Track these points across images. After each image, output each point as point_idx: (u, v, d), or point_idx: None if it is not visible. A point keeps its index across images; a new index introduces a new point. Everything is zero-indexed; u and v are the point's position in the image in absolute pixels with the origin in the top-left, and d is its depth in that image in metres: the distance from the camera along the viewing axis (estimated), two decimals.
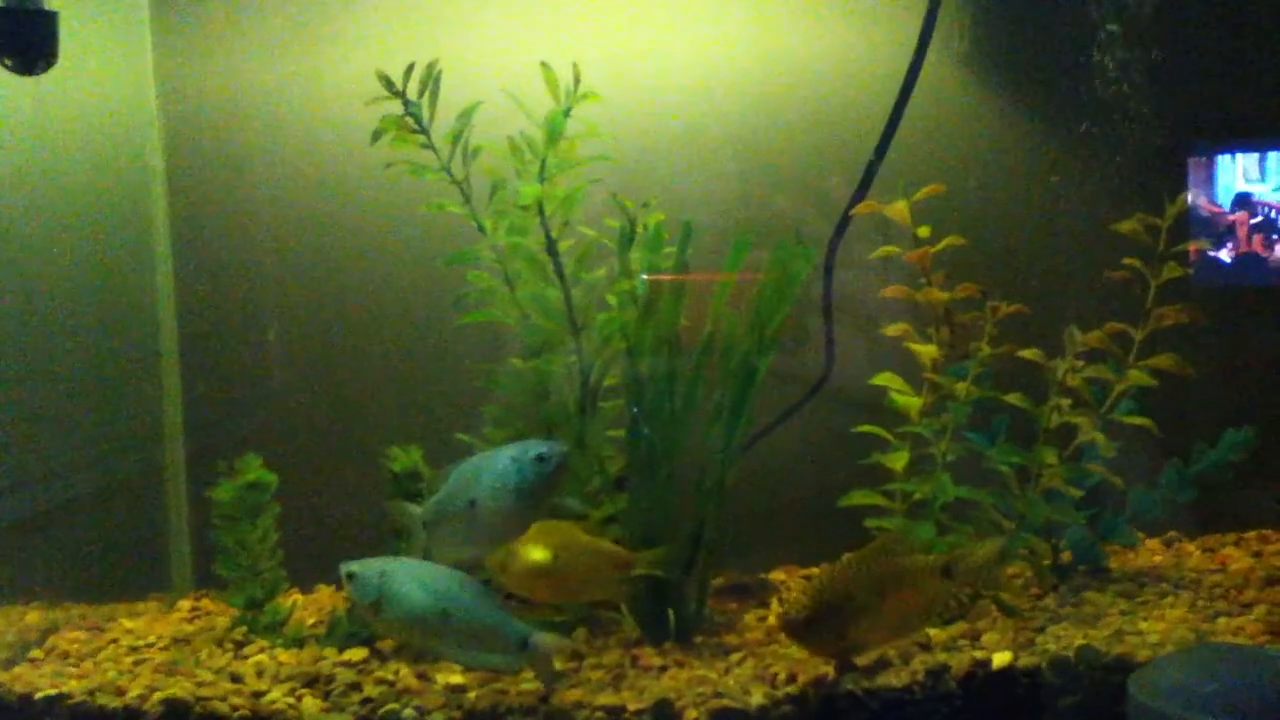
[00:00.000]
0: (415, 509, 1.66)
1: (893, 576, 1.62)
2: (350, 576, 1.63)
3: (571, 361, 1.94)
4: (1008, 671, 1.61)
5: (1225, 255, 2.07)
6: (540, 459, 1.60)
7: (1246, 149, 2.09)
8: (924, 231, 1.98)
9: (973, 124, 2.20)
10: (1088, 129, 2.02)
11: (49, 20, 1.75)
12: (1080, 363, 1.80)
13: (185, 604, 2.09)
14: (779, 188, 2.19)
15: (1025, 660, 1.62)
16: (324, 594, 2.09)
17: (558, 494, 1.70)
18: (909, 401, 1.88)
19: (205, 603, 2.09)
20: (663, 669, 1.73)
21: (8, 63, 1.73)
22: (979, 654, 1.65)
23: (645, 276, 1.92)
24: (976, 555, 1.64)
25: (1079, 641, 1.65)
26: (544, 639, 1.63)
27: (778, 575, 2.14)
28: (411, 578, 1.62)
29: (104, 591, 2.01)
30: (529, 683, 1.67)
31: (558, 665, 1.67)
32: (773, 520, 2.16)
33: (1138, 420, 1.88)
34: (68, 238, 2.00)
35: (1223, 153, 2.09)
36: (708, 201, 2.17)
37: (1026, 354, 1.84)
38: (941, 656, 1.65)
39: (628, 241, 1.94)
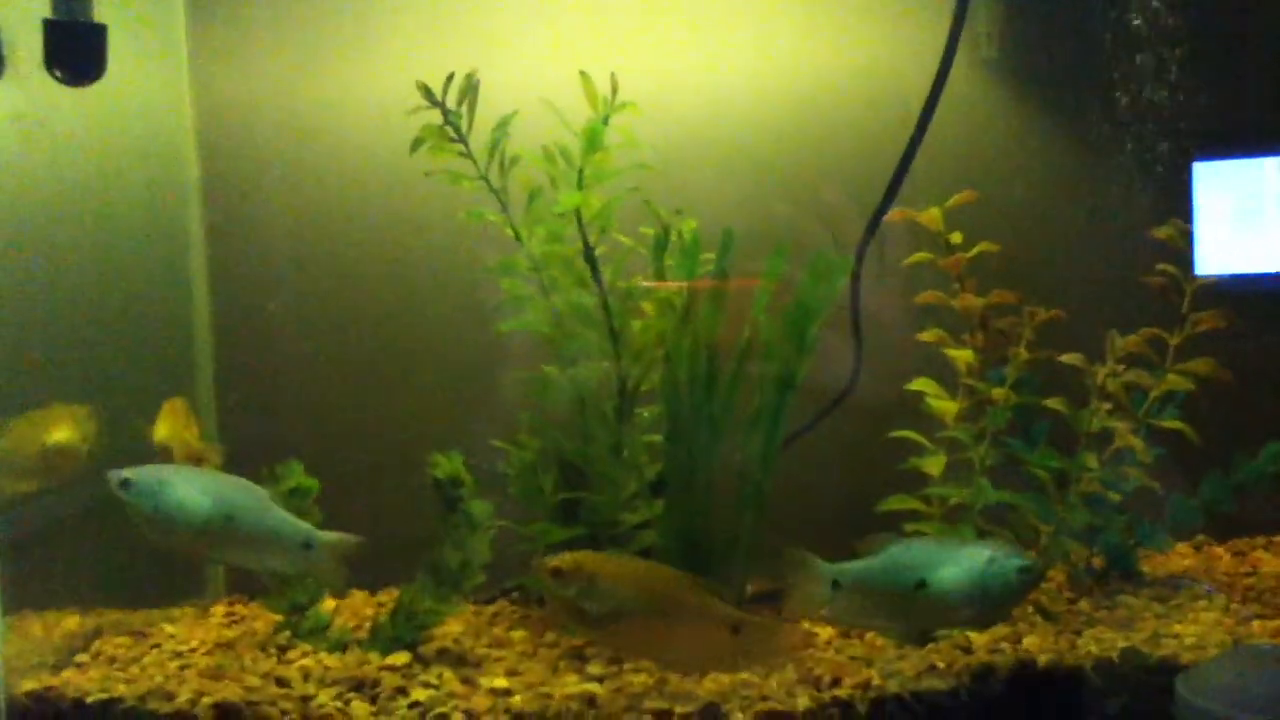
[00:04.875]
0: (822, 564, 1.65)
1: (675, 602, 1.60)
2: (125, 484, 1.58)
3: (608, 368, 1.96)
4: (1052, 674, 1.62)
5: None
6: (1023, 570, 1.59)
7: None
8: (956, 238, 2.00)
9: (1001, 130, 2.22)
10: (1121, 133, 2.04)
11: (98, 33, 1.78)
12: (1121, 367, 1.82)
13: (219, 609, 2.09)
14: (807, 195, 2.20)
15: (1069, 662, 1.63)
16: (358, 599, 2.10)
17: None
18: (945, 406, 1.90)
19: (239, 608, 2.10)
20: (704, 673, 1.73)
21: (57, 74, 1.75)
22: (1023, 656, 1.66)
23: (646, 283, 1.95)
24: (771, 631, 1.64)
25: (1121, 644, 1.67)
26: (326, 538, 1.63)
27: None
28: (191, 484, 1.61)
29: (139, 597, 2.01)
30: (574, 685, 1.68)
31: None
32: (801, 525, 2.17)
33: (1176, 425, 1.90)
34: (104, 247, 2.02)
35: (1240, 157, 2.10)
36: (740, 209, 2.19)
37: (1067, 359, 1.85)
38: (985, 658, 1.66)
39: (661, 248, 1.96)
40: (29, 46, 1.76)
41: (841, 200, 2.11)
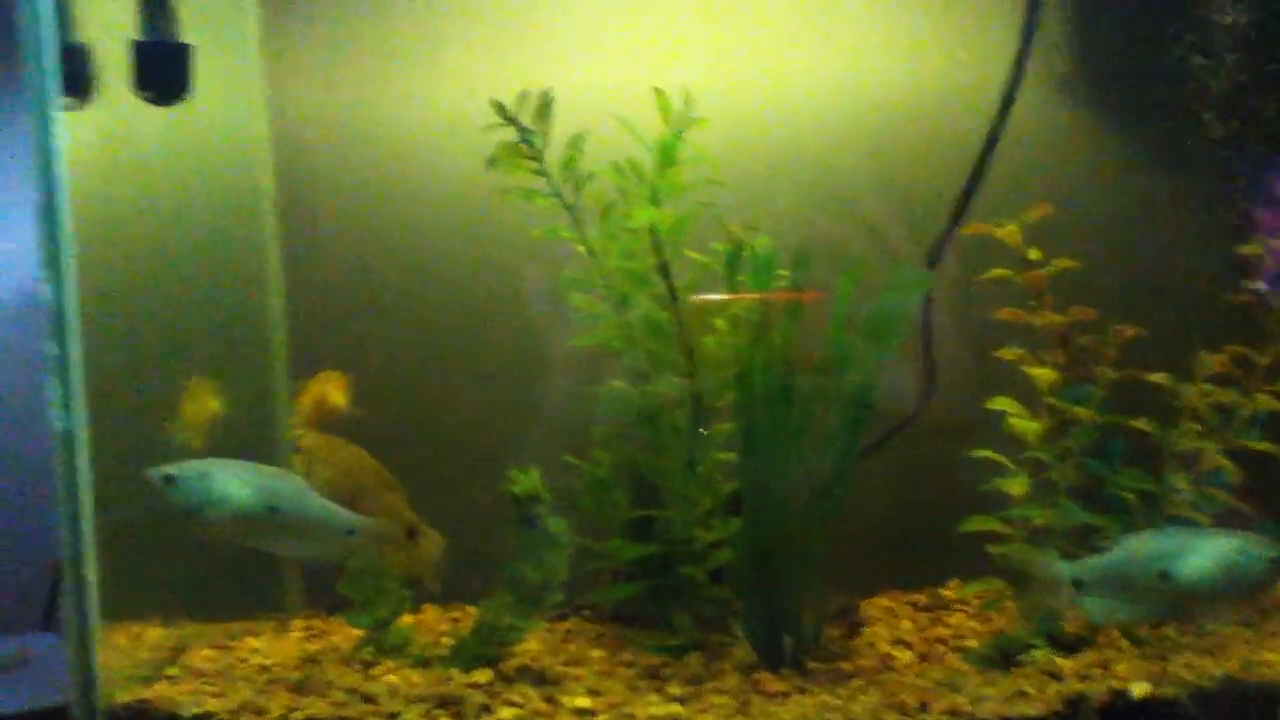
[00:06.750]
0: (1061, 564, 1.65)
1: (364, 493, 1.76)
2: (169, 480, 1.62)
3: (683, 383, 1.95)
4: (1149, 702, 1.59)
5: None
6: (1275, 561, 1.59)
7: None
8: (1035, 254, 1.98)
9: (1074, 145, 2.19)
10: (1199, 145, 2.01)
11: (185, 54, 1.81)
12: (1210, 387, 1.79)
13: (298, 622, 2.12)
14: (879, 211, 2.18)
15: (1165, 691, 1.60)
16: (431, 614, 2.11)
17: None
18: (1028, 426, 1.87)
19: (317, 622, 2.12)
20: (785, 695, 1.72)
21: (146, 95, 1.78)
22: (1115, 684, 1.63)
23: (694, 298, 1.94)
24: (431, 540, 1.80)
25: (1216, 671, 1.64)
26: (369, 524, 1.68)
27: (881, 601, 2.14)
28: (233, 477, 1.65)
29: (219, 609, 2.04)
30: (657, 706, 1.67)
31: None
32: (870, 543, 2.15)
33: (1264, 446, 1.86)
34: (185, 261, 2.04)
35: None
36: (809, 223, 2.18)
37: (1154, 378, 1.82)
38: (1077, 686, 1.64)
39: (734, 264, 1.96)
40: (117, 66, 1.79)
41: (889, 213, 2.10)
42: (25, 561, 2.18)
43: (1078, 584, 1.62)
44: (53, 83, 1.59)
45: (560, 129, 1.91)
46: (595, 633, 2.00)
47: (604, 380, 2.04)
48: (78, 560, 1.59)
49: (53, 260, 1.60)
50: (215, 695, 1.69)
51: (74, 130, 1.70)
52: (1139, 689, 1.61)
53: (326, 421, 1.94)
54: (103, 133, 1.81)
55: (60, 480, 1.60)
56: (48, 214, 1.59)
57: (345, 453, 1.85)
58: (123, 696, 1.67)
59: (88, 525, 1.60)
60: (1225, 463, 1.83)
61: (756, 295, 1.89)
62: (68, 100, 1.67)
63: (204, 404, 1.90)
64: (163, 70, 1.80)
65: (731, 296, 1.91)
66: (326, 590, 1.98)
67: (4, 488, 2.24)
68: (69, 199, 1.63)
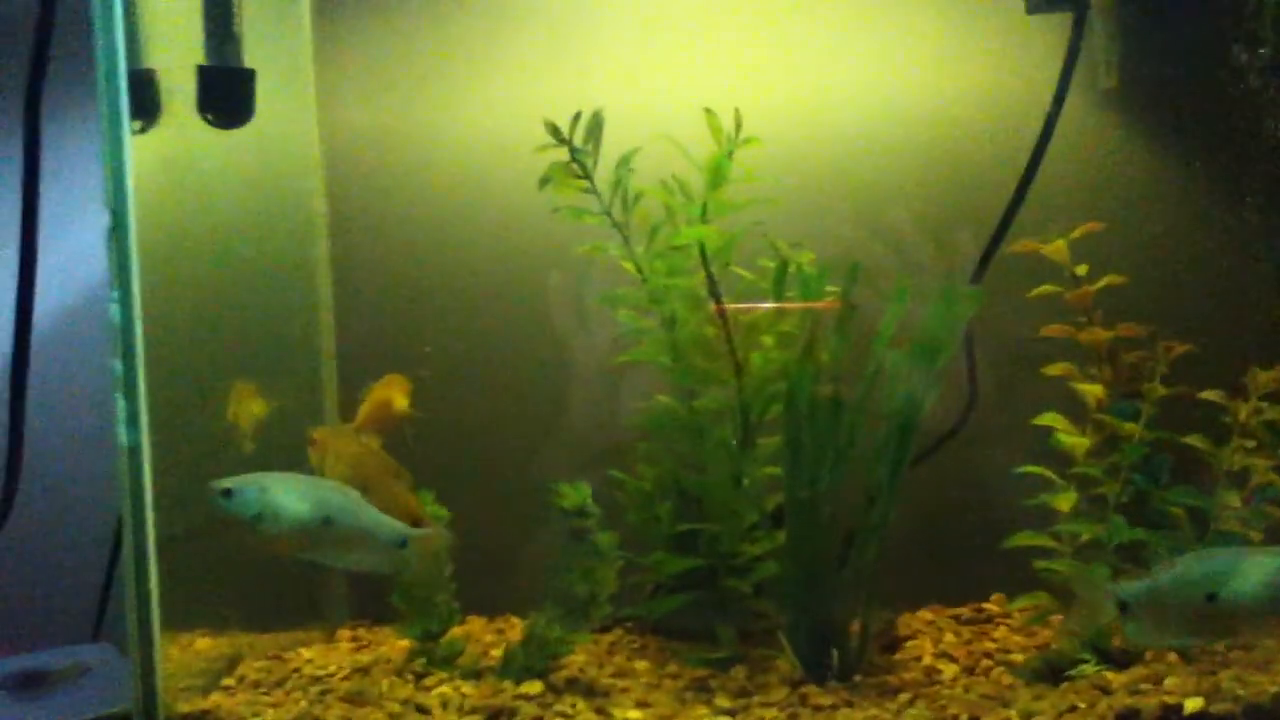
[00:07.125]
0: (1109, 585, 1.66)
1: (374, 485, 1.78)
2: (227, 493, 1.67)
3: (730, 398, 1.97)
4: (1201, 717, 1.59)
5: None
6: None
7: None
8: (1082, 270, 1.98)
9: (1121, 160, 2.19)
10: (1248, 162, 2.01)
11: (248, 78, 1.85)
12: (1264, 404, 1.79)
13: (345, 633, 2.15)
14: (923, 227, 2.19)
15: (1218, 707, 1.60)
16: (477, 625, 2.14)
17: None
18: (1076, 442, 1.88)
19: (363, 632, 2.15)
20: (833, 708, 1.73)
21: (210, 118, 1.83)
22: (1167, 699, 1.63)
23: (738, 306, 1.96)
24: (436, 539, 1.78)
25: (1269, 687, 1.63)
26: (422, 535, 1.72)
27: (924, 615, 2.14)
28: (289, 489, 1.68)
29: (268, 620, 2.06)
30: (706, 718, 1.68)
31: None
32: (911, 557, 2.15)
33: None
34: (240, 277, 2.09)
35: None
36: (855, 241, 2.19)
37: (1206, 395, 1.83)
38: (1128, 700, 1.64)
39: (781, 281, 1.98)
40: (181, 91, 1.84)
41: (907, 223, 2.11)
42: (74, 573, 2.23)
43: (1123, 606, 1.62)
44: (124, 107, 1.63)
45: (606, 147, 1.94)
46: (638, 645, 2.02)
47: (650, 394, 2.06)
48: (142, 572, 1.63)
49: (121, 279, 1.64)
50: (272, 705, 1.72)
51: (138, 152, 1.75)
52: (1191, 704, 1.61)
53: (388, 424, 1.97)
54: (166, 156, 1.85)
55: (126, 494, 1.64)
56: (116, 234, 1.64)
57: (354, 445, 1.90)
58: (183, 706, 1.70)
59: (151, 538, 1.64)
60: (1276, 479, 1.83)
61: (798, 305, 1.91)
62: (134, 123, 1.72)
63: (248, 407, 1.95)
64: (227, 95, 1.85)
65: (775, 305, 1.93)
66: (371, 600, 2.01)
67: (51, 501, 2.29)
68: (135, 219, 1.68)
